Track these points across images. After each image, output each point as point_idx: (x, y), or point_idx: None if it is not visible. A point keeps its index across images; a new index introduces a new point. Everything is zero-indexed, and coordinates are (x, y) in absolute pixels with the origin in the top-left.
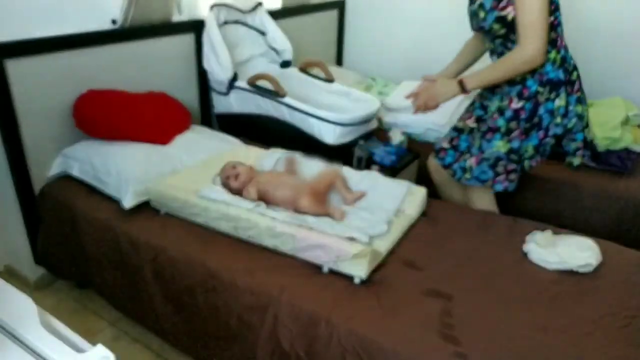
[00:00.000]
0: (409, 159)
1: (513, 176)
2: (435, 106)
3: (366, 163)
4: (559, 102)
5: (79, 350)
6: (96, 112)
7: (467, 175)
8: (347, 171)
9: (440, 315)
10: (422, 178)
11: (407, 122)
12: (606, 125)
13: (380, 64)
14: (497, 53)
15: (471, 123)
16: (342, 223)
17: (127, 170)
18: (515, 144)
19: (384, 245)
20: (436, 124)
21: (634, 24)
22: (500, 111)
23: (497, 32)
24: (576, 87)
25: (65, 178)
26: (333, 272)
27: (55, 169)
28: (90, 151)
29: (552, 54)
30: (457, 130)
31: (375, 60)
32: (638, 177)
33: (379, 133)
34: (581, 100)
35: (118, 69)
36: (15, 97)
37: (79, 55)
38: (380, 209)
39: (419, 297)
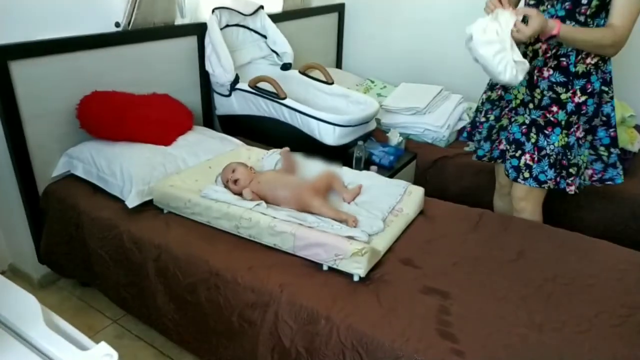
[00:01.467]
0: (407, 160)
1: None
2: (523, 37)
3: (365, 163)
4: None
5: (82, 347)
6: (100, 113)
7: (526, 174)
8: (347, 171)
9: (438, 313)
10: (420, 178)
11: (405, 123)
12: None
13: (379, 67)
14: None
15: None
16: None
17: (130, 171)
18: (572, 139)
19: (382, 244)
20: (434, 125)
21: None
22: (561, 104)
23: (587, 9)
24: None
25: (69, 178)
26: (333, 270)
27: (59, 169)
28: (95, 151)
29: None
30: (505, 128)
31: (374, 63)
32: (633, 177)
33: (378, 134)
34: None
35: (122, 71)
36: (20, 99)
37: (83, 57)
38: (376, 208)
39: (417, 295)
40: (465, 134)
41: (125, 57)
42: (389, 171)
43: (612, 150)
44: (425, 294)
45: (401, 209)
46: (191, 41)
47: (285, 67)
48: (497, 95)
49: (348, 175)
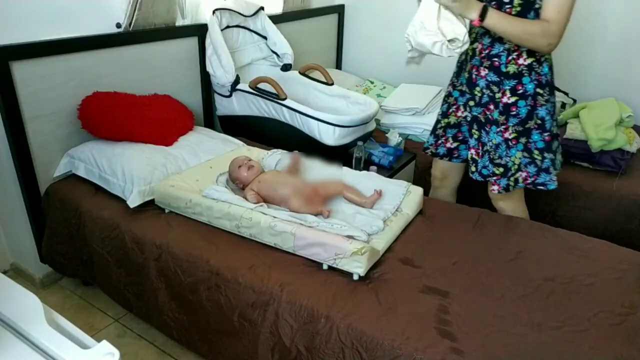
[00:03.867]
0: (406, 160)
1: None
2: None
3: (364, 164)
4: (553, 100)
5: (84, 346)
6: (102, 113)
7: (472, 168)
8: (347, 171)
9: (437, 312)
10: (419, 178)
11: (405, 123)
12: (600, 127)
13: (379, 67)
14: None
15: (461, 114)
16: (340, 221)
17: (132, 171)
18: (498, 139)
19: (381, 243)
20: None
21: (629, 27)
22: (495, 103)
23: (512, 9)
24: None
25: (71, 178)
26: (333, 269)
27: (61, 169)
28: (96, 152)
29: (549, 56)
30: (453, 125)
31: (374, 64)
32: (631, 177)
33: (377, 134)
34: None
35: (123, 72)
36: (22, 99)
37: (84, 58)
38: (379, 208)
39: (416, 294)
40: None
41: (127, 57)
42: (389, 171)
43: (545, 155)
44: (424, 293)
45: (400, 208)
46: (192, 42)
47: (286, 68)
48: (447, 91)
49: (348, 175)
